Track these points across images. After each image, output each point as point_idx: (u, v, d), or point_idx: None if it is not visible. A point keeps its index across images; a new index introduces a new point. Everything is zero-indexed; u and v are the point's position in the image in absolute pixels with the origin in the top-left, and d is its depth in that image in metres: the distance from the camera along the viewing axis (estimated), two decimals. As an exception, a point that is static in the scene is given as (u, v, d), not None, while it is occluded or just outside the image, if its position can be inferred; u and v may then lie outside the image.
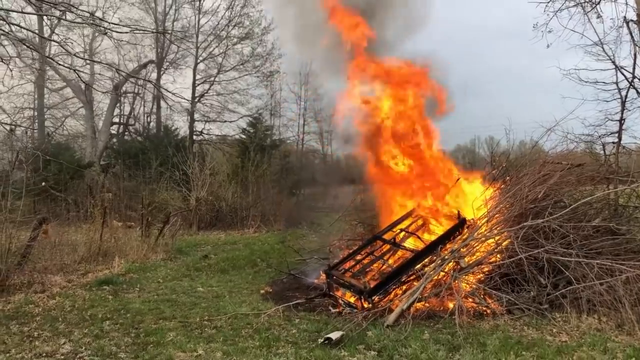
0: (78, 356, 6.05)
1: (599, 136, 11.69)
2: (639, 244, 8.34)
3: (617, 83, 11.35)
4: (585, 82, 11.42)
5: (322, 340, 6.46)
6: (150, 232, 13.93)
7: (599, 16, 11.85)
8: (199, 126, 30.80)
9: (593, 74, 11.75)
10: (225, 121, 30.87)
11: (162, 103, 30.10)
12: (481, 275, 8.30)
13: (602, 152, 11.71)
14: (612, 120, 11.58)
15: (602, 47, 10.90)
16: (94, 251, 11.94)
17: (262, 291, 9.47)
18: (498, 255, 8.31)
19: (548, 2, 11.73)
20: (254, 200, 21.20)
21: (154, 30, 18.00)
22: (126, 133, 30.08)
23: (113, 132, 29.21)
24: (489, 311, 7.59)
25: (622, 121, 11.17)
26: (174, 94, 11.25)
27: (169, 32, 20.55)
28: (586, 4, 11.73)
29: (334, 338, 6.41)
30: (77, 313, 7.77)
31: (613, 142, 11.56)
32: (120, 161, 24.18)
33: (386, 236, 9.40)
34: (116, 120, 29.69)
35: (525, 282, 7.84)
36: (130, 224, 18.07)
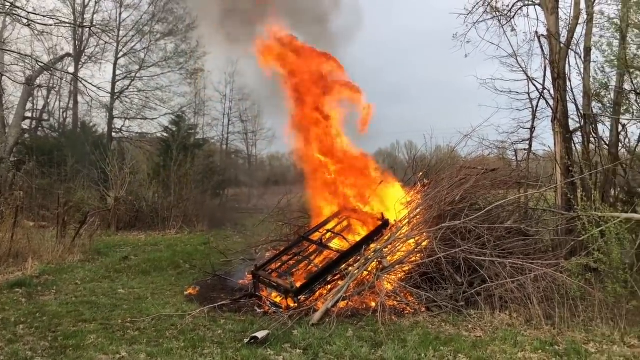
0: (-10, 362, 5.77)
1: (512, 143, 12.48)
2: (547, 244, 8.96)
3: (529, 93, 12.16)
4: (501, 91, 12.14)
5: (247, 339, 6.49)
6: (66, 232, 13.38)
7: (513, 29, 12.63)
8: (118, 123, 29.82)
9: (507, 84, 12.55)
10: (146, 119, 30.05)
11: (80, 98, 28.87)
12: (402, 274, 8.62)
13: (514, 158, 12.47)
14: (523, 128, 12.39)
15: (517, 59, 11.62)
16: (4, 252, 11.31)
17: (186, 292, 9.36)
18: (418, 255, 8.66)
19: (468, 14, 12.35)
20: (176, 201, 20.77)
21: (79, 25, 17.08)
22: (40, 128, 28.58)
23: (25, 127, 27.66)
24: (409, 309, 7.90)
25: (533, 129, 11.94)
26: (95, 86, 10.80)
27: (93, 25, 19.67)
28: (502, 17, 12.45)
29: (259, 337, 6.46)
30: (-14, 317, 7.37)
31: (524, 149, 12.35)
32: (33, 158, 22.92)
33: (313, 237, 9.56)
34: (29, 115, 28.16)
35: (443, 280, 8.22)
36: (44, 223, 17.26)
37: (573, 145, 10.70)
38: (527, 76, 11.46)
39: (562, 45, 10.54)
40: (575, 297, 7.16)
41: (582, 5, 10.81)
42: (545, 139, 12.65)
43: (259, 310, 8.14)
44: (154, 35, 29.50)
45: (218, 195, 26.84)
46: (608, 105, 11.27)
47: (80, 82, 14.40)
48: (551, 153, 12.02)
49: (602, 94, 11.21)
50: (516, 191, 11.01)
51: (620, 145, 10.92)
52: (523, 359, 5.97)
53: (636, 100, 10.49)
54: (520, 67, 11.56)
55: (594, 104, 11.06)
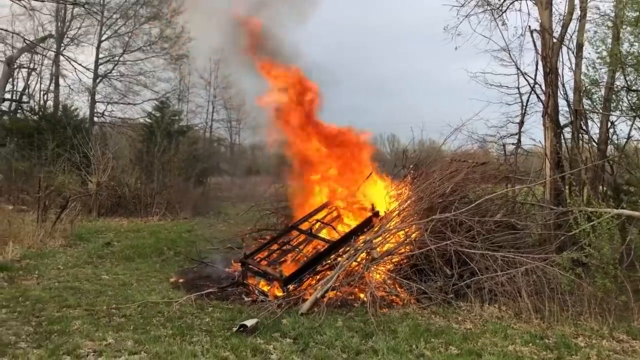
0: (-29, 347, 5.59)
1: (500, 137, 12.48)
2: (537, 238, 8.96)
3: (518, 88, 12.16)
4: (491, 85, 12.12)
5: (236, 328, 6.40)
6: (46, 216, 13.11)
7: (503, 23, 12.62)
8: (100, 107, 29.30)
9: (496, 78, 12.54)
10: (129, 103, 29.55)
11: (61, 81, 28.31)
12: (391, 265, 8.58)
13: (502, 152, 12.49)
14: (512, 122, 12.39)
15: (509, 53, 11.58)
16: (-18, 236, 11.06)
17: (171, 280, 9.24)
18: (407, 247, 8.61)
19: (461, 6, 12.27)
20: (160, 187, 20.50)
21: (75, 2, 16.52)
22: (19, 111, 27.94)
23: (4, 109, 27.03)
24: (398, 300, 7.87)
25: (522, 124, 11.95)
26: (80, 64, 10.47)
27: (87, 3, 19.03)
28: (494, 11, 12.43)
29: (248, 325, 6.38)
30: (-33, 301, 7.16)
31: (512, 143, 12.37)
32: (18, 140, 22.41)
33: (302, 227, 9.46)
34: (8, 96, 27.50)
35: (432, 272, 8.19)
36: (23, 207, 16.92)
37: (563, 140, 10.74)
38: (520, 70, 11.46)
39: (555, 40, 10.54)
40: (565, 291, 7.19)
41: (577, 0, 10.82)
42: (533, 134, 12.71)
43: (246, 299, 8.05)
44: (139, 19, 28.99)
45: (201, 183, 26.53)
46: (598, 101, 11.33)
47: (67, 60, 14.08)
48: (538, 148, 12.06)
49: (593, 90, 11.28)
50: (503, 185, 11.02)
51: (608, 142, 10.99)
52: (514, 352, 5.96)
53: (627, 97, 10.55)
54: (513, 61, 11.55)
55: (583, 100, 11.10)
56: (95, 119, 28.82)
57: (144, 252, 11.79)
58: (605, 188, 10.72)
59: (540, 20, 10.78)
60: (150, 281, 9.10)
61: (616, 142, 11.05)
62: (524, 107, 11.88)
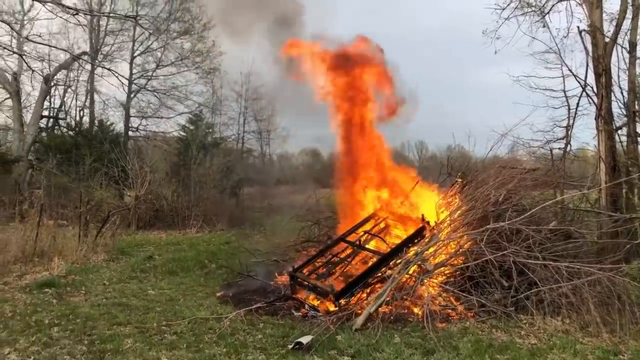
0: (27, 367, 5.50)
1: (547, 142, 12.05)
2: (601, 245, 8.53)
3: (564, 91, 11.74)
4: (536, 89, 11.73)
5: (292, 345, 6.20)
6: (88, 231, 13.12)
7: (544, 25, 12.24)
8: (135, 122, 29.64)
9: (541, 81, 12.14)
10: (163, 117, 29.83)
11: (96, 97, 28.71)
12: (443, 277, 8.28)
13: (549, 157, 12.05)
14: (559, 126, 11.95)
15: (559, 55, 11.19)
16: (29, 252, 11.09)
17: (218, 294, 9.07)
18: (460, 258, 8.29)
19: (504, 9, 11.94)
20: (196, 200, 20.49)
21: (128, 16, 16.71)
22: (56, 127, 28.41)
23: (42, 125, 27.50)
24: (454, 314, 7.56)
25: (570, 127, 11.52)
26: (123, 76, 10.50)
27: (141, 17, 19.31)
28: (538, 11, 12.07)
29: (304, 343, 6.18)
30: (19, 319, 7.08)
31: (559, 148, 11.93)
32: (57, 156, 22.71)
33: (349, 238, 9.22)
34: (45, 113, 27.98)
35: (488, 284, 7.85)
36: (63, 222, 17.03)
37: (620, 143, 10.27)
38: (570, 71, 11.03)
39: (608, 39, 10.11)
40: (634, 302, 6.79)
41: (630, -2, 10.40)
42: (581, 138, 12.28)
43: (296, 314, 7.83)
44: (170, 34, 29.26)
45: (235, 194, 26.49)
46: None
47: (110, 71, 14.35)
48: (587, 152, 11.63)
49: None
50: (552, 192, 10.60)
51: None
52: (587, 369, 5.63)
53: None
54: (562, 62, 11.14)
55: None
56: (130, 133, 29.15)
57: (186, 265, 11.67)
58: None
59: (590, 20, 10.36)
60: (196, 296, 8.96)
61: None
62: (575, 110, 11.43)
